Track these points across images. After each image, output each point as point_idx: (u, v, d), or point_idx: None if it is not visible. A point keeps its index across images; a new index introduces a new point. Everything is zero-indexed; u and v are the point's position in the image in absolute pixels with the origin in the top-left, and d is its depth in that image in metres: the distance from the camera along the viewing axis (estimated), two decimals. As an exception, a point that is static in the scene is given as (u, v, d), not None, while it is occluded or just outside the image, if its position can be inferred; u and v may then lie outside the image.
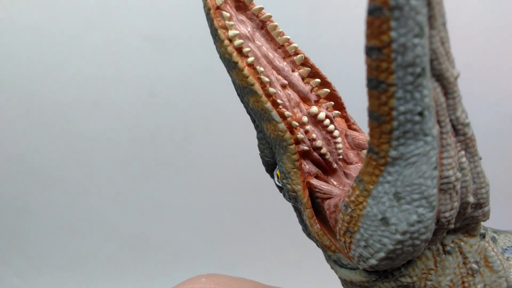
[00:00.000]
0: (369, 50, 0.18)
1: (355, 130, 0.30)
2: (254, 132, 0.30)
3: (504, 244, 0.29)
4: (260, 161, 0.31)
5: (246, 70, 0.25)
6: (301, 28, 0.64)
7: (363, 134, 0.30)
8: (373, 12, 0.17)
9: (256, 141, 0.30)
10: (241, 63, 0.25)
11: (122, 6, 0.65)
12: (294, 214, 0.31)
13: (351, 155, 0.29)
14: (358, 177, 0.22)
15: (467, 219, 0.24)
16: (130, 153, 0.70)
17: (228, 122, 0.67)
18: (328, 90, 0.29)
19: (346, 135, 0.29)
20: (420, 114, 0.18)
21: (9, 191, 0.71)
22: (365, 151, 0.23)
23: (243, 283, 0.36)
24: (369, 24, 0.17)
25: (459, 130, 0.21)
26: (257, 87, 0.25)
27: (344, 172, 0.29)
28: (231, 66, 0.26)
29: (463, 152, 0.21)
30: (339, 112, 0.30)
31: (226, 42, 0.25)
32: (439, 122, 0.20)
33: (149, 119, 0.68)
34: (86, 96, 0.67)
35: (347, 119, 0.30)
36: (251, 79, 0.25)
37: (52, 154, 0.69)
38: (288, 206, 0.31)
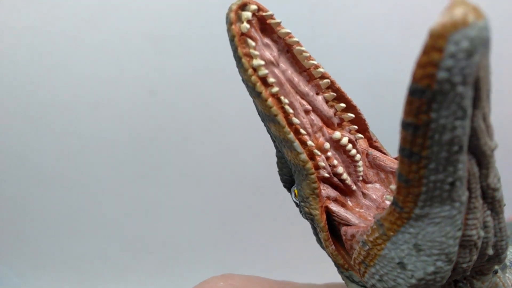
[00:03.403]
0: (405, 125, 0.17)
1: (376, 147, 0.30)
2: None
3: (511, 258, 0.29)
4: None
5: (270, 101, 0.24)
6: (301, 28, 0.64)
7: (384, 154, 0.29)
8: (414, 94, 0.16)
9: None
10: (265, 93, 0.24)
11: (122, 6, 0.65)
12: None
13: (371, 173, 0.29)
14: (379, 221, 0.21)
15: (483, 264, 0.24)
16: (130, 153, 0.70)
17: (228, 122, 0.67)
18: (353, 115, 0.28)
19: (367, 154, 0.29)
20: (451, 184, 0.18)
21: (9, 191, 0.71)
22: (390, 182, 0.23)
23: (258, 281, 0.35)
24: (409, 103, 0.16)
25: (489, 193, 0.21)
26: (280, 117, 0.25)
27: (362, 192, 0.28)
28: (254, 94, 0.25)
29: (488, 212, 0.21)
30: (362, 136, 0.29)
31: (250, 71, 0.24)
32: (469, 189, 0.20)
33: (149, 119, 0.68)
34: (86, 96, 0.67)
35: (369, 138, 0.30)
36: (275, 109, 0.24)
37: (52, 154, 0.69)
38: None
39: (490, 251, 0.22)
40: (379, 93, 0.65)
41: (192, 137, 0.69)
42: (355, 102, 0.29)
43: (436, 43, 0.15)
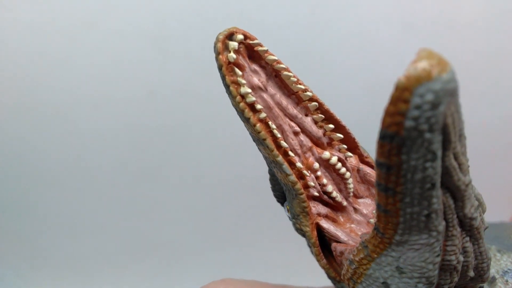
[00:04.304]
0: (379, 164, 0.18)
1: (367, 163, 0.30)
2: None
3: (505, 265, 0.29)
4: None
5: (258, 126, 0.25)
6: (301, 28, 0.64)
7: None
8: (384, 138, 0.17)
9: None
10: (253, 119, 0.25)
11: (122, 6, 0.65)
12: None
13: (362, 189, 0.30)
14: (364, 243, 0.22)
15: (467, 282, 0.24)
16: (130, 153, 0.70)
17: (228, 123, 0.67)
18: (342, 136, 0.29)
19: (358, 170, 0.30)
20: (427, 216, 0.19)
21: (9, 191, 0.71)
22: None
23: (258, 286, 0.35)
24: (380, 146, 0.17)
25: (466, 223, 0.21)
26: (269, 141, 0.26)
27: (353, 207, 0.29)
28: (243, 119, 0.26)
29: (467, 238, 0.22)
30: (351, 155, 0.30)
31: (238, 98, 0.25)
32: (446, 219, 0.20)
33: (149, 119, 0.68)
34: (86, 96, 0.67)
35: (360, 154, 0.30)
36: (263, 134, 0.25)
37: (52, 154, 0.69)
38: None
39: (471, 273, 0.23)
40: (380, 93, 0.65)
41: (192, 138, 0.69)
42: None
43: (402, 95, 0.15)
